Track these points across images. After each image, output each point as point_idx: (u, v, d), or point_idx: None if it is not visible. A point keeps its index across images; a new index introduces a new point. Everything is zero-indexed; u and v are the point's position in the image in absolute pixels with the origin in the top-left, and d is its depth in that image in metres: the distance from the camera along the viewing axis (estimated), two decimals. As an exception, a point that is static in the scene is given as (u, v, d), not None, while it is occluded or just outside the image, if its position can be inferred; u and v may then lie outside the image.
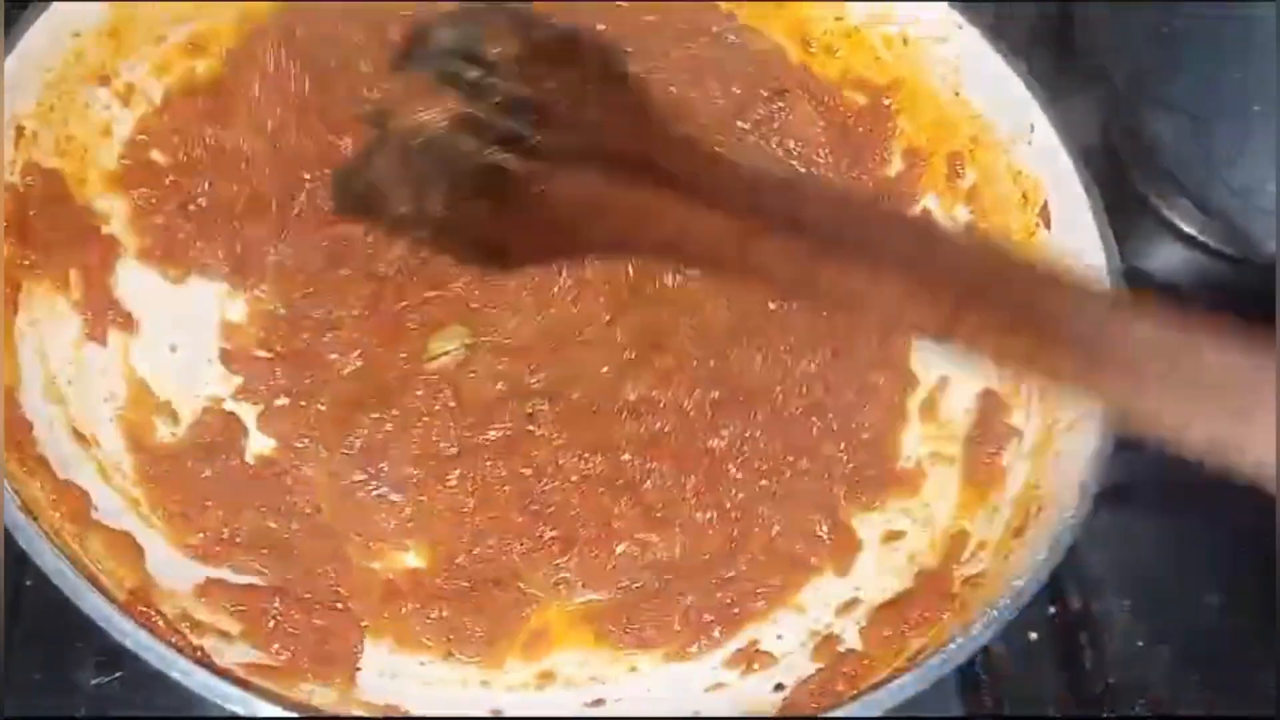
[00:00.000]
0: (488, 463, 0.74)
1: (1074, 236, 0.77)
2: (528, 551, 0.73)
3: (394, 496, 0.74)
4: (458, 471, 0.74)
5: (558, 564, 0.73)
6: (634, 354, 0.79)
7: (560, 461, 0.75)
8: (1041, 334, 0.54)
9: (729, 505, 0.76)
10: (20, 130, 0.72)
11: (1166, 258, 0.96)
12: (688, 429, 0.77)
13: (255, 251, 0.79)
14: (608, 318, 0.79)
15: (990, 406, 0.79)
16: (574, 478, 0.75)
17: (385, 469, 0.74)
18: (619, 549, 0.74)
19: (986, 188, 0.84)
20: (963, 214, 0.85)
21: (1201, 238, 0.95)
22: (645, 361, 0.78)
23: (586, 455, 0.75)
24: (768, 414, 0.78)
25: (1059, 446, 0.72)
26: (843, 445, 0.79)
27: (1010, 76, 0.82)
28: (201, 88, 0.81)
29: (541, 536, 0.73)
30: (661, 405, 0.77)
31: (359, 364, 0.77)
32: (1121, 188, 0.82)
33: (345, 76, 0.82)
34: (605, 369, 0.78)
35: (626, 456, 0.75)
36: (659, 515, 0.75)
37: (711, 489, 0.76)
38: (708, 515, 0.75)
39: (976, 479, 0.77)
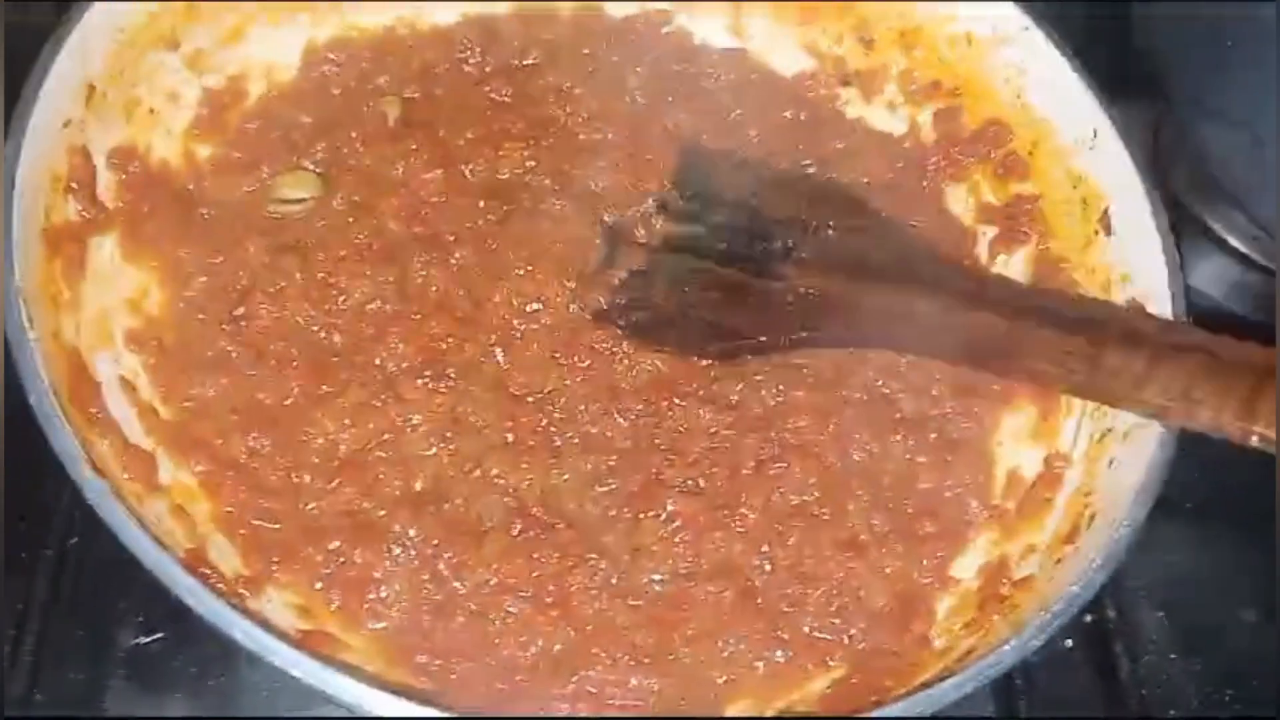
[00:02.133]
0: None
1: (1135, 244, 0.77)
2: None
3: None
4: None
5: None
6: None
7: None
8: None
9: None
10: (91, 89, 0.72)
11: (1210, 271, 0.95)
12: None
13: None
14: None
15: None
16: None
17: None
18: None
19: (1045, 193, 0.84)
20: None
21: (1249, 253, 0.94)
22: None
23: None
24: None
25: (1114, 454, 0.72)
26: None
27: (1075, 80, 0.81)
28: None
29: None
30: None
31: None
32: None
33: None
34: None
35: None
36: None
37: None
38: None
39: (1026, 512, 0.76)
